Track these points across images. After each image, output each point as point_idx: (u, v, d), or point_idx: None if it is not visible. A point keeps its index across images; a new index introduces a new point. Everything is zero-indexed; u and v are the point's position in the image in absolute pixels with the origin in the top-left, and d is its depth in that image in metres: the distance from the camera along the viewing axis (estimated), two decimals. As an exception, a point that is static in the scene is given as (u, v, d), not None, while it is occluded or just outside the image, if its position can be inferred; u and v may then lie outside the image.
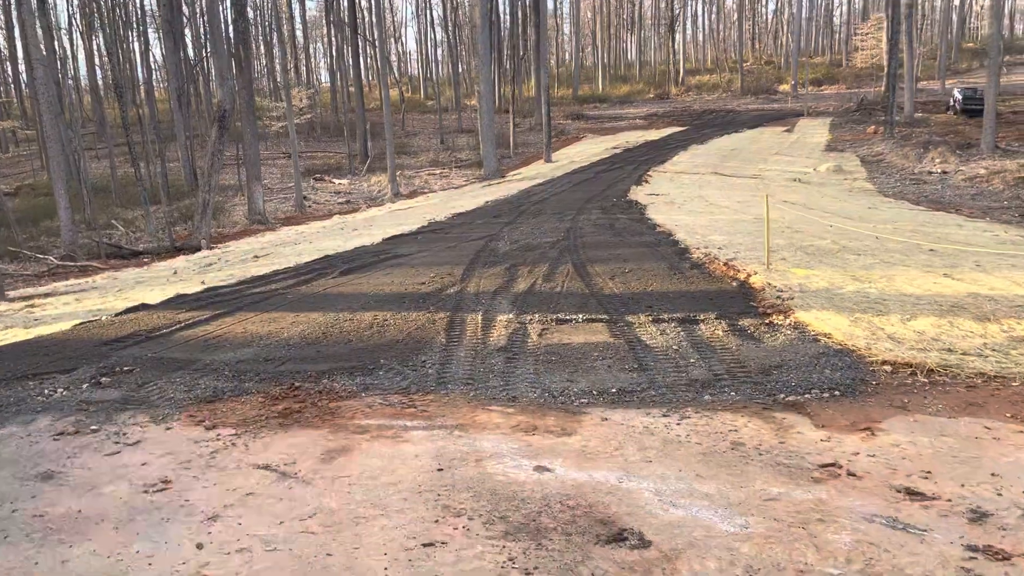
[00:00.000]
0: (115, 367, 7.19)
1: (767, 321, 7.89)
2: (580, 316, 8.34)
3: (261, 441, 5.41)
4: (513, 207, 21.85)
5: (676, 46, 70.88)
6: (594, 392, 6.11)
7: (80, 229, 27.24)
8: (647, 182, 27.92)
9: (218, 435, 5.53)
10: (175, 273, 16.41)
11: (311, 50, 74.22)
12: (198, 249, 23.58)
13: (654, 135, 44.87)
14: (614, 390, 6.13)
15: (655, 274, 10.57)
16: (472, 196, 28.17)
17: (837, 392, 5.94)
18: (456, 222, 19.22)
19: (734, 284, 9.66)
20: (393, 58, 75.34)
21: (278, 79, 53.90)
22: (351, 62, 52.05)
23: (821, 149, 38.70)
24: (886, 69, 39.80)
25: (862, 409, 5.63)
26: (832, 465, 4.74)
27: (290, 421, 5.76)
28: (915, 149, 35.96)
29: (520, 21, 53.19)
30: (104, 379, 6.85)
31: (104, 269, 20.95)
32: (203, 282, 12.87)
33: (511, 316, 8.50)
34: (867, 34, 55.57)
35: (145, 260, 22.81)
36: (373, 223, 22.84)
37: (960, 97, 41.75)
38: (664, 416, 5.59)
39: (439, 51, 66.57)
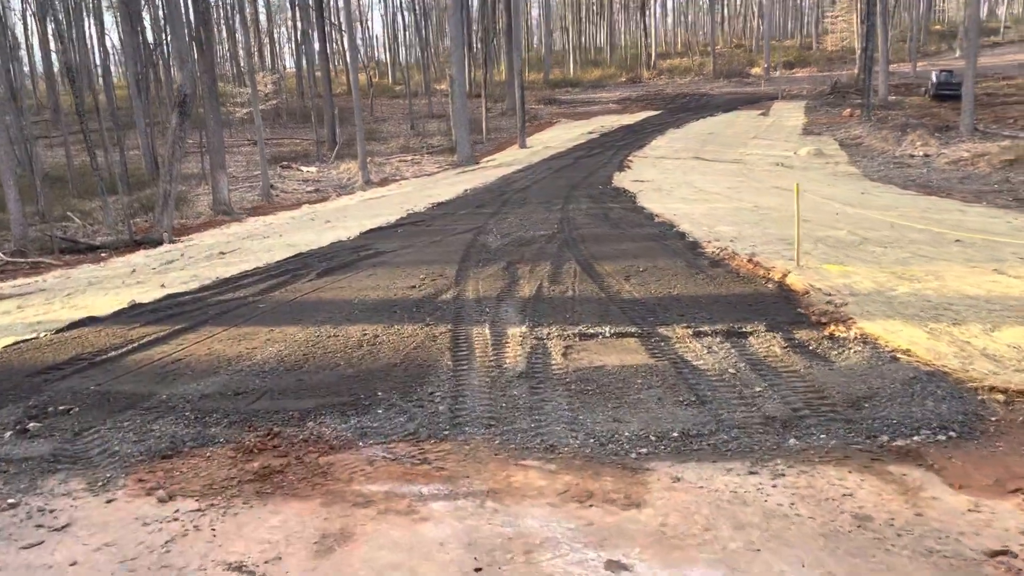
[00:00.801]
0: (48, 406, 5.76)
1: (827, 333, 6.66)
2: (606, 329, 7.05)
3: (233, 520, 4.05)
4: (495, 196, 20.50)
5: (650, 30, 69.54)
6: (651, 437, 4.83)
7: (34, 222, 25.39)
8: (629, 168, 26.73)
9: (176, 512, 4.16)
10: (133, 272, 14.86)
11: (275, 34, 71.84)
12: (160, 243, 21.93)
13: (629, 119, 43.67)
14: (675, 433, 4.86)
15: (674, 273, 9.32)
16: (448, 184, 26.74)
17: (952, 433, 4.73)
18: (437, 213, 17.83)
19: (770, 286, 8.43)
20: (360, 43, 73.11)
21: (242, 64, 51.84)
22: (318, 46, 50.08)
23: (798, 132, 37.82)
24: (862, 52, 38.95)
25: (995, 458, 4.42)
26: (1004, 553, 3.51)
27: (270, 486, 4.40)
28: (893, 132, 35.21)
29: (491, 3, 51.61)
30: (33, 424, 5.43)
31: (57, 266, 19.25)
32: (163, 285, 11.37)
33: (524, 329, 7.19)
34: (837, 16, 54.77)
35: (102, 255, 21.11)
36: (347, 214, 21.36)
37: (935, 81, 41.04)
38: (751, 473, 4.33)
39: (407, 35, 64.83)
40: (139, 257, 18.44)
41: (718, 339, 6.63)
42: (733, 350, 6.33)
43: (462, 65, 35.60)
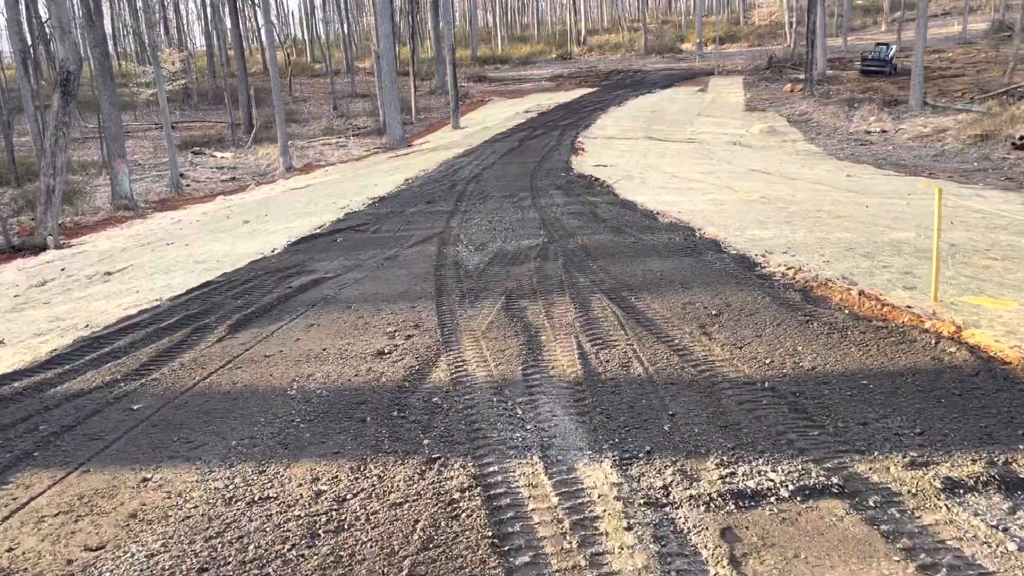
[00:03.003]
0: None
1: None
2: (769, 474, 3.75)
3: None
4: (445, 188, 16.93)
5: (579, 5, 65.92)
6: None
7: None
8: (583, 150, 23.46)
9: None
10: (-12, 301, 10.92)
11: (182, 9, 65.47)
12: (44, 248, 17.72)
13: (565, 97, 40.32)
14: None
15: (773, 321, 6.06)
16: (384, 172, 22.98)
17: None
18: (381, 211, 14.18)
19: (954, 350, 5.19)
20: (274, 20, 67.45)
21: (145, 39, 46.26)
22: (230, 23, 45.05)
23: (742, 109, 35.27)
24: (798, 25, 36.53)
25: None
26: None
27: None
28: (841, 107, 33.00)
29: (414, -24, 47.29)
30: None
31: (-95, 286, 14.88)
32: (2, 341, 7.56)
33: (610, 473, 3.82)
34: (765, -9, 52.55)
35: (-31, 267, 16.75)
36: (268, 210, 17.49)
37: (875, 56, 39.00)
38: None
39: (327, 9, 59.71)
40: (10, 272, 14.37)
41: (996, 500, 3.42)
42: (1060, 541, 3.12)
43: (390, 39, 31.56)
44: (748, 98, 37.46)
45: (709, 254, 8.75)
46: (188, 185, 28.39)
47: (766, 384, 4.84)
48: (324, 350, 6.10)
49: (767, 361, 5.22)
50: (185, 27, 66.45)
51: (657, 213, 11.82)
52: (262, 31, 42.21)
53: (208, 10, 54.16)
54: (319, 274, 9.12)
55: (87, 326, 7.80)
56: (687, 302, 6.75)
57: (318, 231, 12.51)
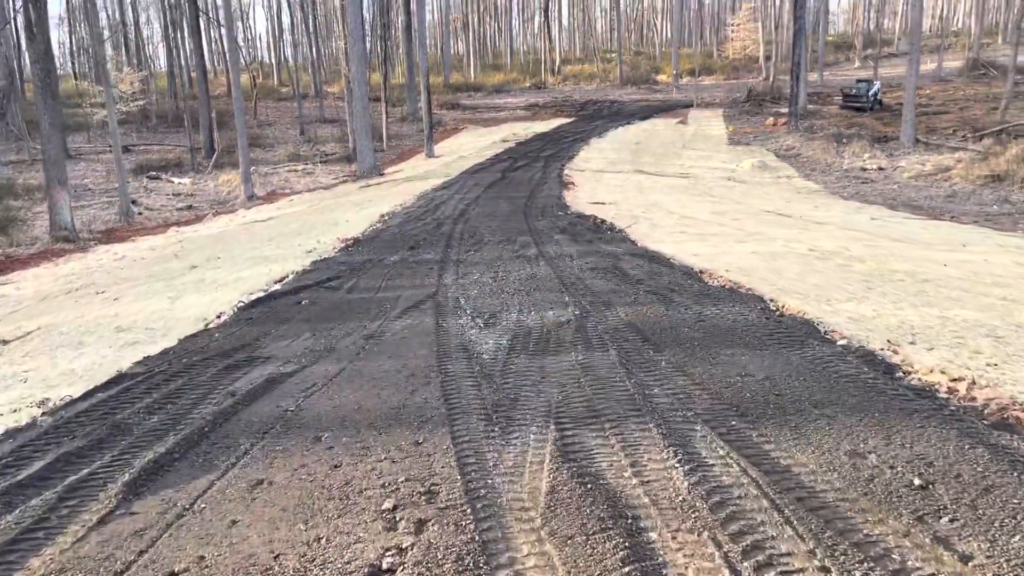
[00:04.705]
0: None
1: None
2: None
3: None
4: (429, 227, 14.31)
5: (553, 34, 63.89)
6: None
7: None
8: (573, 184, 21.11)
9: None
10: None
11: (143, 29, 62.03)
12: (-42, 289, 14.65)
13: (542, 126, 38.05)
14: None
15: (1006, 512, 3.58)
16: (355, 205, 20.29)
17: None
18: (355, 259, 11.49)
19: None
20: (240, 43, 64.37)
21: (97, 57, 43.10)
22: (191, 45, 42.04)
23: (725, 142, 33.35)
24: (791, 59, 34.80)
25: None
26: None
27: None
28: (829, 143, 31.17)
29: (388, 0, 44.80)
30: None
31: None
32: None
33: None
34: (739, 25, 51.16)
35: None
36: (223, 250, 14.71)
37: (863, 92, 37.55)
38: None
39: (295, 32, 56.96)
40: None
41: None
42: None
43: (363, 62, 28.95)
44: (730, 131, 35.59)
45: (813, 345, 6.25)
46: (141, 213, 25.37)
47: None
48: (276, 559, 3.41)
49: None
50: (144, 43, 62.97)
51: (700, 272, 9.35)
52: (227, 53, 39.34)
53: (171, 29, 51.05)
54: (276, 364, 6.42)
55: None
56: (851, 450, 4.21)
57: (278, 287, 9.78)
